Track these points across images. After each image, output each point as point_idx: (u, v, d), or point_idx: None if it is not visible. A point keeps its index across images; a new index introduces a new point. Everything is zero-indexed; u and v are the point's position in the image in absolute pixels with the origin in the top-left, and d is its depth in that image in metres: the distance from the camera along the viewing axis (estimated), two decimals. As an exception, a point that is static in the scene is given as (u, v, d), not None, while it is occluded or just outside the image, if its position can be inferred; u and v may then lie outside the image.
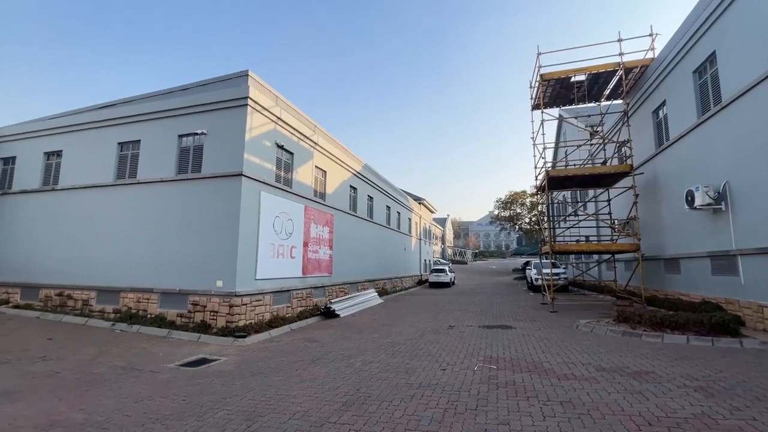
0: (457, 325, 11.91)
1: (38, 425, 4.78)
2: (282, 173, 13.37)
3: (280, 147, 13.20)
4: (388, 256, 25.44)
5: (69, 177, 13.85)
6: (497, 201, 53.34)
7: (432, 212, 45.78)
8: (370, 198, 22.49)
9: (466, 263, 70.98)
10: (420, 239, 36.53)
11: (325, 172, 16.60)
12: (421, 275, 35.49)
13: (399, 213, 28.90)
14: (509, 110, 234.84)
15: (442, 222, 72.61)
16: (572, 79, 15.73)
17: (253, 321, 11.08)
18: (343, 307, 14.91)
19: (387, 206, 25.84)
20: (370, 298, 18.41)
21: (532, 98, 17.61)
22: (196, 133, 11.93)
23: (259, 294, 11.56)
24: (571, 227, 19.90)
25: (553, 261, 17.66)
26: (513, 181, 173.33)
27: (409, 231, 32.30)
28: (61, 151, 14.25)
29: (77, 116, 14.38)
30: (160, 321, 11.04)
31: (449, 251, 73.73)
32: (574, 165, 18.25)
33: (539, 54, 15.79)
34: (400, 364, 7.36)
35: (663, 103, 13.52)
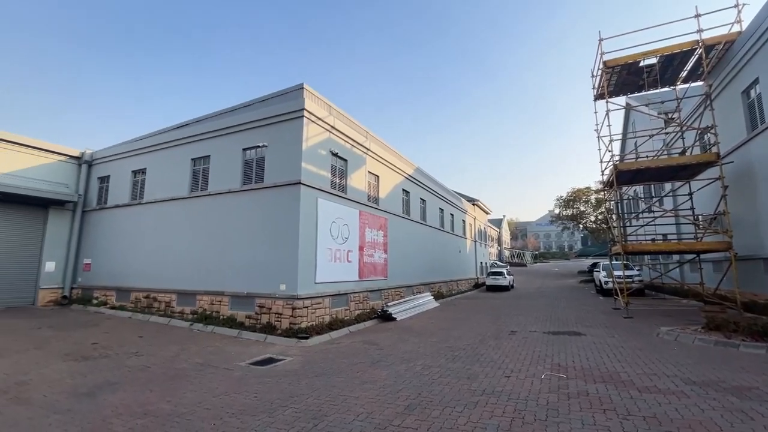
0: (520, 331, 11.38)
1: (135, 413, 5.36)
2: (337, 180, 13.79)
3: (335, 155, 13.63)
4: (443, 258, 25.09)
5: (152, 191, 15.48)
6: (558, 199, 50.34)
7: (486, 213, 44.42)
8: (423, 201, 22.38)
9: (525, 265, 67.75)
10: (475, 241, 35.58)
11: (377, 176, 16.83)
12: (477, 278, 34.51)
13: (452, 215, 28.42)
14: (565, 103, 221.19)
15: (497, 223, 70.18)
16: (641, 64, 14.42)
17: (314, 323, 11.50)
18: (400, 310, 14.94)
19: (440, 208, 25.53)
20: (426, 301, 18.26)
21: (594, 88, 16.43)
22: (258, 146, 12.74)
23: (318, 297, 11.98)
24: (645, 225, 18.14)
25: (625, 262, 16.24)
26: (572, 178, 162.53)
27: (464, 233, 31.61)
28: (145, 168, 15.99)
29: (157, 137, 16.07)
30: (231, 322, 11.87)
31: (506, 253, 70.96)
32: (647, 157, 16.64)
33: (601, 40, 14.71)
34: (461, 370, 7.20)
35: (755, 82, 11.89)
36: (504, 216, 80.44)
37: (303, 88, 12.87)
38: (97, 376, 7.07)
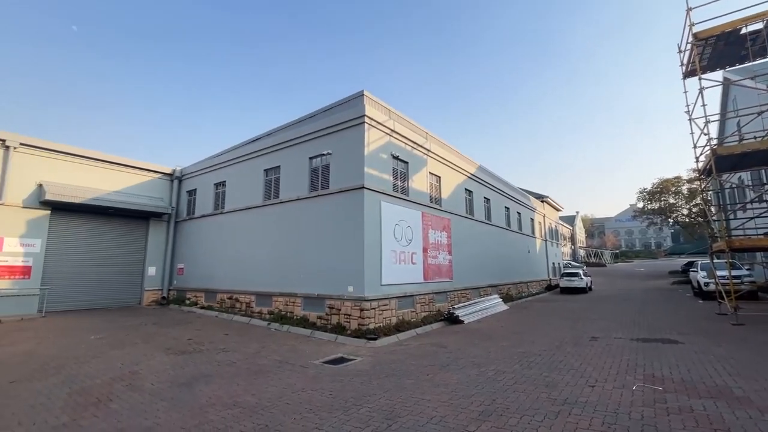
0: (603, 337, 10.44)
1: (225, 404, 5.87)
2: (398, 182, 13.90)
3: (396, 158, 13.76)
4: (511, 259, 23.98)
5: (231, 201, 16.96)
6: (641, 192, 45.28)
7: (557, 210, 41.60)
8: (487, 200, 21.64)
9: (605, 265, 62.15)
10: (545, 240, 33.49)
11: (439, 177, 16.64)
12: (550, 279, 32.41)
13: (519, 213, 27.07)
14: (642, 87, 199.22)
15: (569, 220, 65.38)
16: (743, 31, 12.49)
17: (381, 324, 11.67)
18: (467, 312, 14.57)
19: (505, 207, 24.48)
20: (495, 304, 17.58)
21: (683, 65, 14.59)
22: (323, 154, 13.32)
23: (385, 299, 12.14)
24: (756, 217, 15.61)
25: (731, 261, 14.11)
26: (656, 168, 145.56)
27: (533, 232, 29.93)
28: (225, 181, 17.58)
29: (233, 152, 17.58)
30: (304, 322, 12.52)
31: (581, 252, 65.73)
32: (754, 138, 14.32)
33: (689, 9, 13.02)
34: (538, 377, 6.79)
35: None
36: (577, 212, 74.60)
37: (363, 94, 13.20)
38: (192, 369, 7.88)
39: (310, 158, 13.89)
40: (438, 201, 16.39)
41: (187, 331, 12.05)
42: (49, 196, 14.69)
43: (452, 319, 13.83)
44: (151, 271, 18.68)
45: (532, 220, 30.27)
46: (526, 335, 11.20)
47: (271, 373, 7.56)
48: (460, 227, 17.70)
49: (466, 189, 19.15)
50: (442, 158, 16.87)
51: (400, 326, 12.08)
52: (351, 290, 11.67)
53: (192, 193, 19.58)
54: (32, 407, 6.09)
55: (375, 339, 10.50)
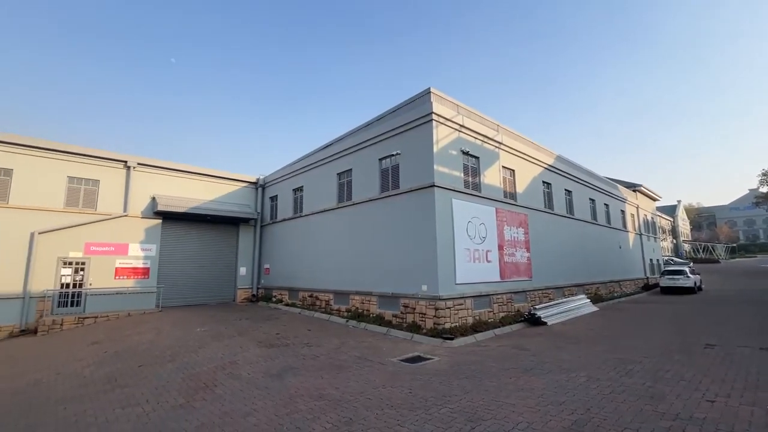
0: (721, 345, 9.00)
1: (312, 396, 6.23)
2: (470, 178, 13.50)
3: (466, 153, 13.39)
4: (598, 256, 21.86)
5: (308, 205, 18.00)
6: (764, 174, 38.22)
7: (654, 200, 36.91)
8: (568, 192, 20.00)
9: (718, 261, 53.59)
10: (640, 234, 29.92)
11: (513, 171, 15.82)
12: (647, 278, 28.88)
13: (607, 205, 24.56)
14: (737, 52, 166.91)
15: (669, 211, 57.66)
16: None
17: (457, 324, 11.44)
18: (550, 314, 13.62)
19: (590, 199, 22.39)
20: (582, 305, 16.17)
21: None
22: (392, 154, 13.48)
23: (460, 298, 11.88)
24: None
25: None
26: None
27: (624, 225, 26.95)
28: (302, 186, 18.73)
29: (309, 158, 18.65)
30: (379, 320, 12.80)
31: (685, 247, 57.52)
32: None
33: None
34: (640, 387, 6.07)
35: None
36: (679, 201, 65.14)
37: (430, 92, 13.08)
38: (281, 361, 8.51)
39: (380, 159, 14.15)
40: (513, 196, 15.58)
41: (275, 326, 13.05)
42: (160, 207, 17.04)
43: (533, 321, 13.04)
44: (242, 271, 20.63)
45: (623, 212, 27.25)
46: (621, 340, 10.12)
47: (351, 369, 7.85)
48: (538, 223, 16.62)
49: (543, 182, 17.92)
50: (516, 150, 16.00)
51: (477, 326, 11.73)
52: (425, 289, 11.63)
53: (274, 198, 21.19)
54: (156, 389, 7.10)
55: (451, 339, 10.33)
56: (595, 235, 22.03)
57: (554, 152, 19.74)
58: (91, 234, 15.86)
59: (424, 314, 11.58)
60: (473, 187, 13.57)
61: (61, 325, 13.92)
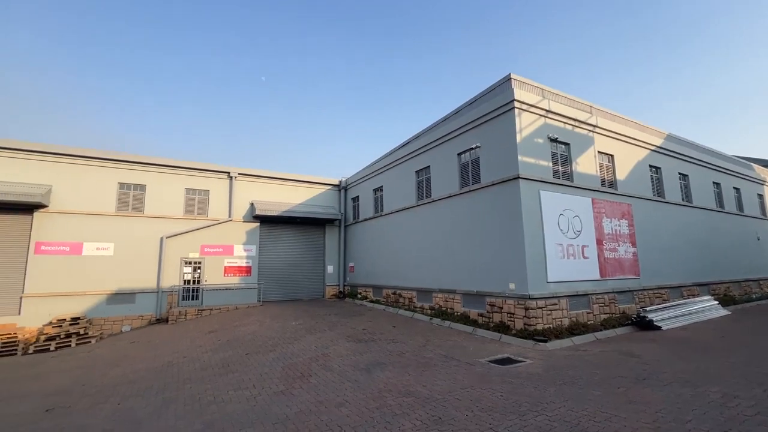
0: None
1: (400, 392, 6.29)
2: (559, 167, 12.40)
3: (554, 140, 12.33)
4: (727, 250, 18.40)
5: (388, 204, 18.33)
6: None
7: (805, 180, 29.77)
8: (683, 176, 17.20)
9: None
10: (786, 223, 24.40)
11: (611, 156, 14.12)
12: (799, 277, 23.43)
13: (737, 189, 20.56)
14: None
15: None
16: None
17: (551, 325, 10.60)
18: (665, 316, 11.85)
19: (714, 183, 18.96)
20: (707, 307, 13.77)
21: None
22: (472, 148, 13.02)
23: (553, 297, 10.98)
24: None
25: None
26: None
27: (763, 213, 22.29)
28: (381, 186, 19.15)
29: (387, 158, 18.98)
30: (464, 319, 12.46)
31: None
32: None
33: None
34: (799, 410, 4.92)
35: None
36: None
37: (510, 78, 12.32)
38: (369, 356, 8.78)
39: (459, 154, 13.77)
40: (612, 184, 13.91)
41: (361, 322, 13.54)
42: (258, 212, 18.89)
43: (643, 324, 11.48)
44: (330, 269, 21.86)
45: (761, 196, 22.54)
46: (767, 350, 8.35)
47: (438, 367, 7.75)
48: (645, 213, 14.59)
49: (650, 166, 15.67)
50: (614, 133, 14.25)
51: (574, 329, 10.72)
52: (513, 288, 11.00)
53: (356, 199, 22.04)
54: (260, 375, 7.86)
55: (545, 341, 9.60)
56: (722, 226, 18.61)
57: (663, 131, 17.15)
58: (204, 237, 18.26)
59: (513, 314, 10.95)
60: (564, 177, 12.44)
61: (185, 315, 16.27)
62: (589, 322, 11.43)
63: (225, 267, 18.56)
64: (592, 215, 12.68)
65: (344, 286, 21.78)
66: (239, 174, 19.56)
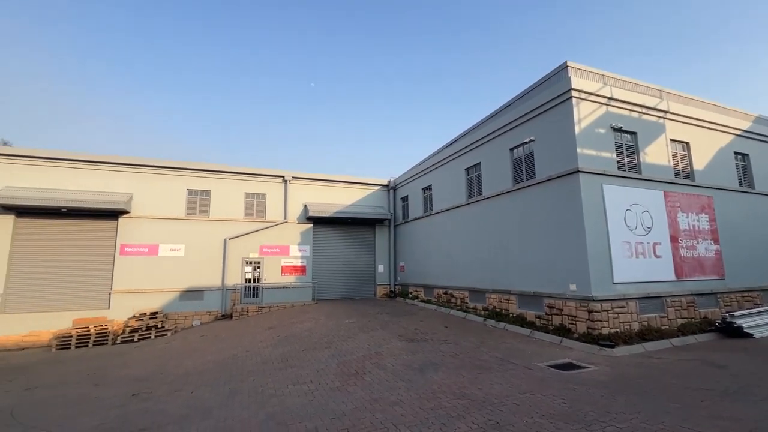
0: None
1: (455, 393, 6.18)
2: (625, 159, 11.45)
3: (617, 130, 11.41)
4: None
5: (438, 203, 18.12)
6: None
7: None
8: (777, 163, 15.06)
9: None
10: None
11: (686, 144, 12.76)
12: None
13: None
14: None
15: None
16: None
17: (618, 330, 9.81)
18: (759, 323, 10.47)
19: (817, 170, 16.37)
20: (811, 313, 11.93)
21: None
22: (525, 142, 12.45)
23: (620, 300, 10.16)
24: None
25: None
26: None
27: None
28: (430, 185, 18.98)
29: (435, 156, 18.77)
30: (521, 320, 11.95)
31: None
32: None
33: None
34: None
35: None
36: None
37: (566, 66, 11.63)
38: (421, 356, 8.74)
39: (511, 149, 13.24)
40: (688, 174, 12.57)
41: (412, 321, 13.52)
42: (311, 213, 19.61)
43: (730, 331, 10.24)
44: (380, 268, 22.10)
45: None
46: None
47: (493, 370, 7.52)
48: (729, 206, 13.00)
49: (735, 153, 13.93)
50: (689, 118, 12.85)
51: (645, 334, 9.84)
52: (574, 288, 10.35)
53: (405, 199, 22.06)
54: (317, 371, 8.14)
55: (611, 346, 8.91)
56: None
57: (750, 113, 15.17)
58: (263, 238, 19.32)
59: (574, 317, 10.30)
60: (630, 169, 11.47)
61: (247, 312, 17.33)
62: (663, 327, 10.43)
63: (282, 266, 19.50)
64: (664, 210, 11.55)
65: (395, 285, 21.90)
66: (293, 177, 20.44)
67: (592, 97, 11.11)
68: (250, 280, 18.82)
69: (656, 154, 11.98)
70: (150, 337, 15.05)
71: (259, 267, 19.09)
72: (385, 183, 23.05)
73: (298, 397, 6.57)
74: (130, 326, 15.32)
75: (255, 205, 19.67)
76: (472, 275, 14.92)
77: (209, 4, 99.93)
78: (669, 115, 12.45)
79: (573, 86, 10.77)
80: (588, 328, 9.84)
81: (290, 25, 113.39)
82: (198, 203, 18.52)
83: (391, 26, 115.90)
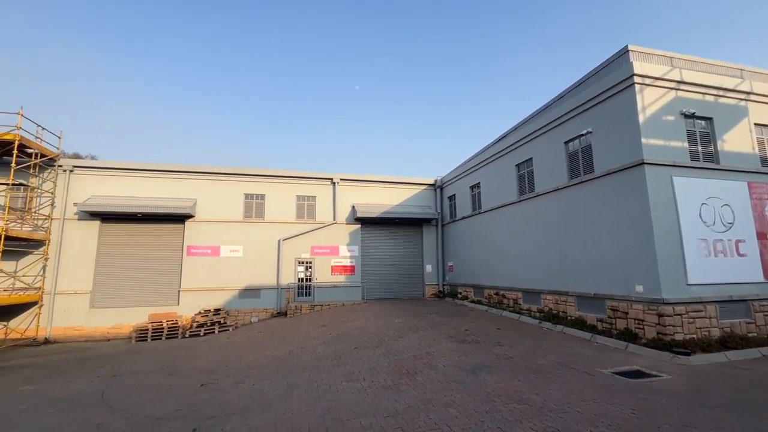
0: None
1: (510, 398, 5.98)
2: (698, 147, 10.37)
3: (689, 116, 10.37)
4: None
5: (487, 201, 17.62)
6: None
7: None
8: None
9: None
10: None
11: (774, 127, 11.28)
12: None
13: None
14: None
15: None
16: None
17: (694, 336, 8.91)
18: None
19: None
20: None
21: None
22: (582, 134, 11.72)
23: (696, 303, 9.22)
24: None
25: None
26: None
27: None
28: (479, 183, 18.51)
29: (483, 153, 18.27)
30: (580, 323, 11.27)
31: None
32: None
33: None
34: None
35: None
36: None
37: (627, 51, 10.78)
38: (473, 358, 8.55)
39: (566, 143, 12.53)
40: (777, 163, 11.11)
41: (463, 322, 13.26)
42: (359, 214, 19.96)
43: (837, 341, 8.88)
44: (428, 268, 21.94)
45: None
46: None
47: (551, 375, 7.17)
48: (832, 197, 11.28)
49: (838, 136, 12.07)
50: (778, 98, 11.36)
51: (728, 341, 8.84)
52: (640, 290, 9.56)
53: (452, 198, 21.72)
54: (368, 369, 8.27)
55: (687, 354, 8.12)
56: None
57: None
58: (313, 239, 20.00)
59: (642, 321, 9.52)
60: (705, 158, 10.38)
61: (300, 310, 18.02)
62: (749, 335, 9.32)
63: (332, 266, 20.04)
64: (749, 203, 10.32)
65: (443, 285, 21.63)
66: (341, 179, 20.93)
67: (659, 82, 10.20)
68: (302, 279, 19.56)
69: (737, 141, 10.73)
70: (214, 332, 16.17)
71: (310, 267, 19.78)
72: (432, 182, 22.85)
73: (351, 393, 6.72)
74: (197, 321, 16.57)
75: (306, 207, 20.41)
76: (525, 275, 14.33)
77: (259, 11, 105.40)
78: (752, 97, 11.10)
79: (636, 71, 9.97)
80: (658, 333, 9.05)
81: (336, 27, 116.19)
82: (254, 206, 19.59)
83: (439, 24, 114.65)
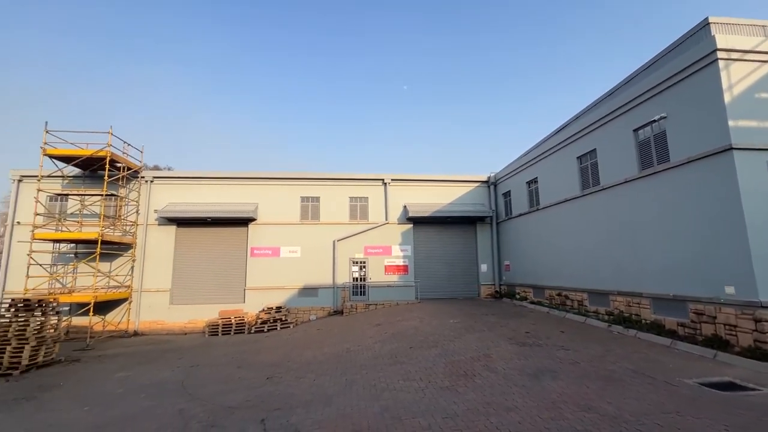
0: None
1: (578, 405, 5.62)
2: (802, 127, 8.97)
3: (789, 91, 9.00)
4: None
5: (545, 197, 16.71)
6: None
7: None
8: None
9: None
10: None
11: None
12: None
13: None
14: None
15: None
16: None
17: (802, 345, 7.72)
18: None
19: None
20: None
21: None
22: (654, 120, 10.68)
23: (803, 307, 7.97)
24: None
25: None
26: None
27: None
28: (536, 177, 17.62)
29: (539, 147, 17.36)
30: (656, 328, 10.27)
31: None
32: None
33: None
34: None
35: None
36: None
37: (708, 23, 9.65)
38: (535, 361, 8.15)
39: (635, 130, 11.50)
40: None
41: (522, 324, 12.70)
42: (411, 214, 19.96)
43: None
44: (483, 267, 21.32)
45: None
46: None
47: (624, 383, 6.62)
48: None
49: None
50: None
51: None
52: (731, 292, 8.49)
53: (507, 194, 20.90)
54: (425, 369, 8.23)
55: (793, 366, 7.06)
56: None
57: None
58: (366, 239, 20.36)
59: (734, 326, 8.45)
60: (812, 140, 8.94)
61: (356, 309, 18.43)
62: None
63: (385, 266, 20.25)
64: None
65: (500, 285, 20.90)
66: (392, 180, 21.08)
67: (749, 56, 8.99)
68: (356, 278, 20.00)
69: None
70: (276, 329, 17.09)
71: (364, 266, 20.16)
72: (485, 179, 22.19)
73: (408, 393, 6.74)
74: (261, 318, 17.64)
75: (358, 208, 20.84)
76: (591, 275, 13.38)
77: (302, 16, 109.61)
78: None
79: (718, 45, 8.87)
80: (755, 341, 7.97)
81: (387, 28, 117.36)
82: (310, 209, 20.41)
83: (502, 21, 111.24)
